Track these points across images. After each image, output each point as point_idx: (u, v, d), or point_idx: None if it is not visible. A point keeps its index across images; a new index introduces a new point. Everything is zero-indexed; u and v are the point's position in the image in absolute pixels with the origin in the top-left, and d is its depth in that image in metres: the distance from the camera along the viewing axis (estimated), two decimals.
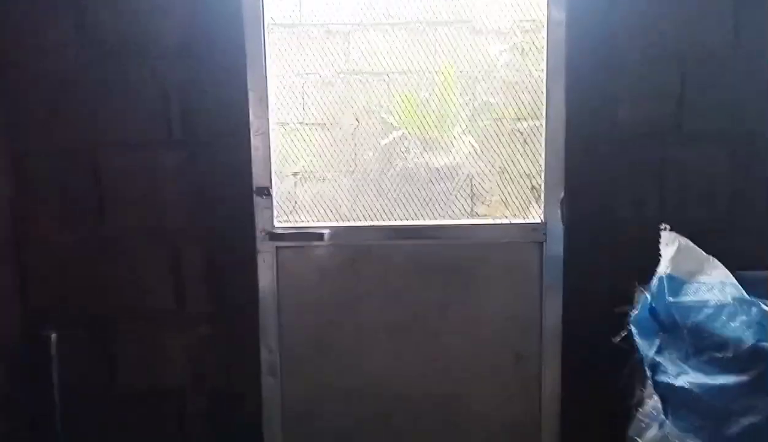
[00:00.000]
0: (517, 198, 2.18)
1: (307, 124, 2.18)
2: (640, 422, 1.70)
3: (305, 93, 2.17)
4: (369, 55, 2.15)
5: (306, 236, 2.14)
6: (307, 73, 2.16)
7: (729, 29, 2.01)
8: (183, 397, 2.16)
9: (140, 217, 2.10)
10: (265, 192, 2.10)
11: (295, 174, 2.17)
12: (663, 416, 1.58)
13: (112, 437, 2.13)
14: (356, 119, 2.16)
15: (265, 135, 2.07)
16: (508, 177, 2.18)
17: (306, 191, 2.20)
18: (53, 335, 1.65)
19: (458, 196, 2.18)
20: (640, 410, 1.71)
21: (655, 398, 1.63)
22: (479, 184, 2.19)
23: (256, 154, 2.07)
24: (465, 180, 2.18)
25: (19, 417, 1.98)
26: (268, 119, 2.08)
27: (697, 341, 1.46)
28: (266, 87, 2.06)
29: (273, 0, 2.09)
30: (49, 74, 2.04)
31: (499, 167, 2.18)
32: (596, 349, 1.97)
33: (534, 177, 2.15)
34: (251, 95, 2.05)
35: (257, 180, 2.09)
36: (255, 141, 2.07)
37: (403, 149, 2.19)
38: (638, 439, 1.68)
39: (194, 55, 2.03)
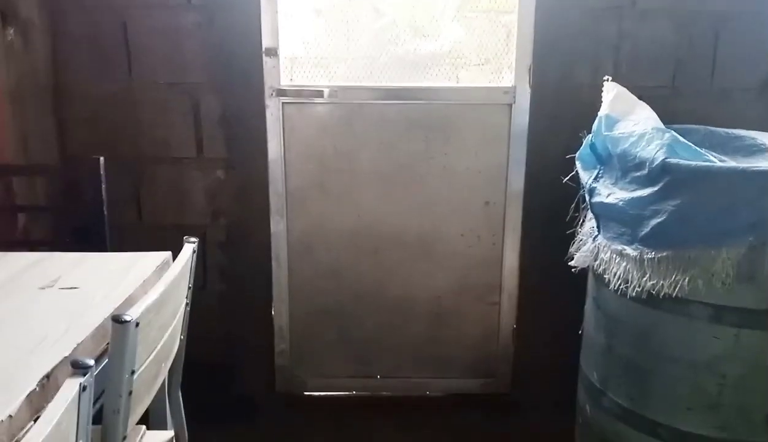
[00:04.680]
0: (493, 72, 2.51)
1: (301, 10, 2.41)
2: (579, 240, 2.11)
3: None
4: None
5: (308, 93, 2.45)
6: None
7: None
8: (203, 230, 2.54)
9: (164, 72, 2.40)
10: (273, 52, 2.40)
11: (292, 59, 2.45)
12: (596, 230, 1.98)
13: None
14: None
15: None
16: (489, 68, 2.49)
17: (307, 60, 2.49)
18: (101, 158, 1.98)
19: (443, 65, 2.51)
20: (580, 230, 2.12)
21: (592, 219, 2.02)
22: (463, 65, 2.51)
23: (265, 16, 2.35)
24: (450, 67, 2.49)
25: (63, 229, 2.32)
26: None
27: (623, 164, 1.82)
28: None
29: None
30: None
31: (484, 58, 2.48)
32: (553, 194, 2.33)
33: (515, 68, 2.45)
34: None
35: (266, 41, 2.38)
36: (264, 3, 2.34)
37: (393, 36, 2.48)
38: (576, 253, 2.10)
39: None
